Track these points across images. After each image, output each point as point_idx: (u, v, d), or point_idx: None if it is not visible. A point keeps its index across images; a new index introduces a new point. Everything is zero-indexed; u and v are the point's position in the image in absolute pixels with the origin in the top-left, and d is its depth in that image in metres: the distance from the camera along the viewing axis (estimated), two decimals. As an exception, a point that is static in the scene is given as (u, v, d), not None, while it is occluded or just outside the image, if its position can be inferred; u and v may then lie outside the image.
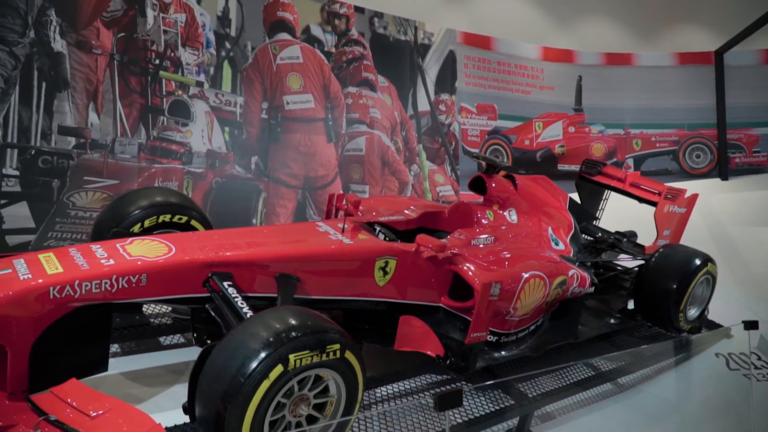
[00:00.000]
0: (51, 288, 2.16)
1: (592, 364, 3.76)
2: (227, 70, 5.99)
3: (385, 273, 2.97)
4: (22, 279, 2.17)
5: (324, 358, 2.12)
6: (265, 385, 1.98)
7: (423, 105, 7.74)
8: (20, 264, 2.28)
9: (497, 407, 3.04)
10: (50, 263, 2.29)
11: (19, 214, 4.63)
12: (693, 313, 4.27)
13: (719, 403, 3.90)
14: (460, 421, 2.89)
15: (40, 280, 2.17)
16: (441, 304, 3.18)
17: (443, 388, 3.19)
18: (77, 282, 2.21)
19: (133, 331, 3.19)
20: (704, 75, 9.58)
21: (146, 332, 3.24)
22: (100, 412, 2.00)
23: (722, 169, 9.40)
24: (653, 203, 4.89)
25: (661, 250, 4.22)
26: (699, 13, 10.16)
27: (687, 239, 4.77)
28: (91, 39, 5.07)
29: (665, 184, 5.01)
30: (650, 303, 4.11)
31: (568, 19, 9.71)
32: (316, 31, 6.76)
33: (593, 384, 3.58)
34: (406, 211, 3.62)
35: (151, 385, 2.84)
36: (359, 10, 7.17)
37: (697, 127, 9.56)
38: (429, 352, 3.00)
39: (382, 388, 3.09)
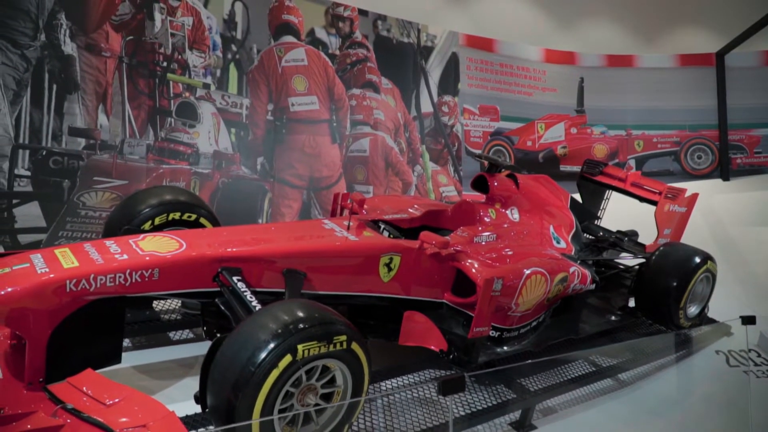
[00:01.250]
0: (67, 281, 2.24)
1: (593, 360, 3.81)
2: (233, 73, 6.08)
3: (390, 269, 3.03)
4: (39, 272, 2.25)
5: (331, 348, 2.18)
6: (275, 374, 2.05)
7: (426, 106, 7.82)
8: (37, 258, 2.35)
9: (499, 401, 3.10)
10: (66, 258, 2.36)
11: (31, 213, 4.72)
12: (693, 310, 4.32)
13: (719, 399, 3.94)
14: (463, 413, 2.95)
15: (57, 274, 2.24)
16: (444, 300, 3.25)
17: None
18: (92, 276, 2.29)
19: (144, 326, 3.26)
20: (705, 76, 9.63)
21: (156, 327, 3.31)
22: (116, 400, 2.06)
23: (723, 170, 9.44)
24: (654, 202, 4.94)
25: (661, 248, 4.27)
26: (700, 15, 10.21)
27: (688, 239, 4.81)
28: (101, 42, 5.17)
29: (666, 184, 5.07)
30: (651, 300, 4.15)
31: (570, 21, 9.77)
32: (321, 33, 6.84)
33: (594, 379, 3.63)
34: (410, 210, 3.69)
35: (162, 378, 2.91)
36: (363, 13, 7.26)
37: (699, 128, 9.61)
38: (432, 347, 3.05)
39: (387, 382, 3.15)
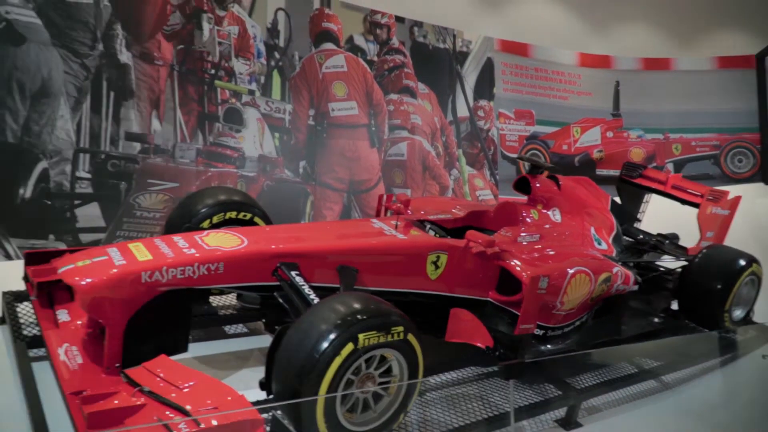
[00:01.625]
0: (143, 273, 2.39)
1: (637, 362, 3.82)
2: (276, 79, 6.29)
3: (437, 267, 3.12)
4: (117, 264, 2.41)
5: (389, 338, 2.29)
6: (337, 361, 2.16)
7: (462, 111, 7.90)
8: (114, 252, 2.52)
9: (544, 398, 3.15)
10: (140, 251, 2.52)
11: (91, 213, 4.99)
12: (738, 314, 4.26)
13: (766, 404, 3.89)
14: (507, 409, 2.99)
15: (134, 266, 2.40)
16: (489, 299, 3.31)
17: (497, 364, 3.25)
18: (165, 268, 2.44)
19: (201, 319, 3.41)
20: (745, 79, 9.47)
21: (213, 321, 3.46)
22: (189, 383, 2.20)
23: (765, 173, 9.25)
24: (696, 205, 4.90)
25: (704, 250, 4.24)
26: (739, 17, 10.04)
27: (731, 243, 4.74)
28: (154, 51, 5.43)
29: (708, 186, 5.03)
30: (694, 303, 4.12)
31: (605, 24, 9.73)
32: (359, 40, 7.01)
33: (638, 380, 3.63)
34: (453, 210, 3.77)
35: (220, 369, 3.05)
36: (400, 19, 7.41)
37: (739, 131, 9.44)
38: (479, 344, 3.11)
39: (435, 377, 3.23)
